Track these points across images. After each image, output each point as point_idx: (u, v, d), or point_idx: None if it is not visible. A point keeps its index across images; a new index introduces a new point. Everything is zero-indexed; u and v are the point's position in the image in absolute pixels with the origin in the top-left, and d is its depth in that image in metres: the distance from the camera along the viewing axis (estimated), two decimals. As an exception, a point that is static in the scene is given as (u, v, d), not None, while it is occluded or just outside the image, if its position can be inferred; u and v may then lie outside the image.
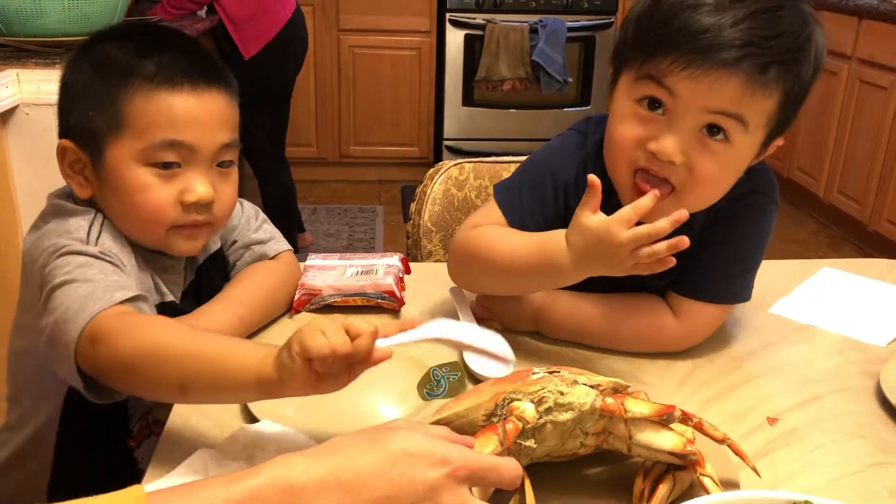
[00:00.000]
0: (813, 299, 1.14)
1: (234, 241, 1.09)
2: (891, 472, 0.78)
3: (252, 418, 0.82)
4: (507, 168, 1.44)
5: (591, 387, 0.69)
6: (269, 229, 1.10)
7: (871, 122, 3.55)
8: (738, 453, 0.72)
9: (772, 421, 0.86)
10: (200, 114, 0.91)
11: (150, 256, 0.96)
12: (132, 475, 0.97)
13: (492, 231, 0.96)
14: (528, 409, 0.65)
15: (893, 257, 3.64)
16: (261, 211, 1.13)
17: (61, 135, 0.94)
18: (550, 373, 0.70)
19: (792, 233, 3.93)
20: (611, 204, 0.87)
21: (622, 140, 0.89)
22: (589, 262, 0.86)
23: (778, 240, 3.82)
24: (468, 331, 0.80)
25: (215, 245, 1.07)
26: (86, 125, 0.90)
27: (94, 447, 1.00)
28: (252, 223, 1.09)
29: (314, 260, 1.12)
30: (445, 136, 4.30)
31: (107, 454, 1.00)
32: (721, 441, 0.72)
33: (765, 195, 0.99)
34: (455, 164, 1.41)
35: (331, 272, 1.08)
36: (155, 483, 0.73)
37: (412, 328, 0.72)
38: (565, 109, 4.30)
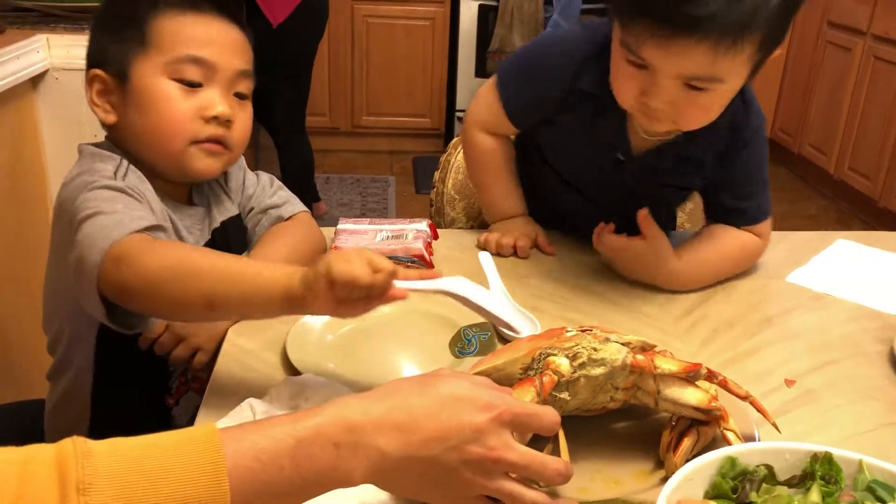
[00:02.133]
0: (828, 269, 1.17)
1: (252, 209, 1.13)
2: (903, 432, 0.82)
3: (294, 372, 0.86)
4: (529, 138, 1.46)
5: (622, 344, 0.72)
6: (284, 195, 1.14)
7: (884, 99, 3.55)
8: (759, 410, 0.76)
9: (789, 383, 0.90)
10: (219, 36, 0.98)
11: (171, 204, 1.01)
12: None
13: (486, 150, 1.20)
14: (563, 364, 0.69)
15: (902, 233, 3.63)
16: (276, 179, 1.17)
17: (91, 63, 0.99)
18: (583, 331, 0.73)
19: (802, 208, 3.95)
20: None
21: (622, 90, 0.98)
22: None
23: (788, 215, 3.85)
24: (483, 295, 0.84)
25: (232, 210, 1.11)
26: (112, 50, 0.96)
27: (132, 405, 1.04)
28: (267, 190, 1.13)
29: (346, 224, 1.16)
30: (458, 108, 4.31)
31: (145, 412, 1.04)
32: (744, 398, 0.76)
33: (757, 126, 1.10)
34: (479, 134, 1.43)
35: (362, 236, 1.12)
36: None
37: (431, 279, 0.76)
38: (578, 82, 4.30)
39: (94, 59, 0.98)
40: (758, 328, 1.01)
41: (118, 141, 0.99)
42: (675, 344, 0.96)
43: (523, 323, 0.95)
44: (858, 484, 0.62)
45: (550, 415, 0.62)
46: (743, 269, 1.14)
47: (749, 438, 0.75)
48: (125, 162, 0.97)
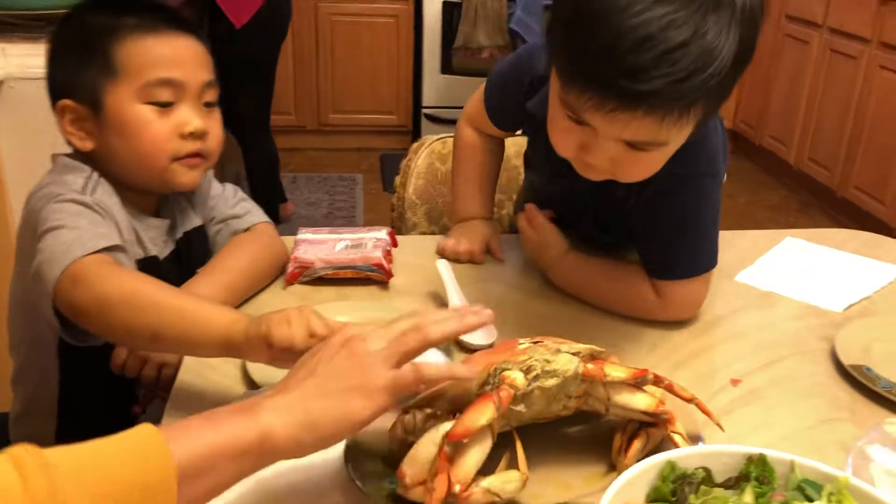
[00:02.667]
0: (776, 268, 1.21)
1: (213, 218, 1.15)
2: (840, 427, 0.86)
3: (254, 385, 0.87)
4: (487, 142, 1.49)
5: (573, 354, 0.75)
6: (246, 206, 1.16)
7: (840, 91, 3.63)
8: (704, 411, 0.80)
9: (735, 382, 0.93)
10: (184, 53, 1.01)
11: (137, 217, 1.03)
12: None
13: (466, 146, 1.26)
14: (518, 378, 0.71)
15: (861, 222, 3.74)
16: (240, 190, 1.18)
17: (56, 98, 1.00)
18: (535, 343, 0.76)
19: (763, 198, 4.03)
20: None
21: (560, 144, 0.91)
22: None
23: (750, 205, 3.92)
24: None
25: (196, 220, 1.12)
26: (80, 80, 0.98)
27: (99, 413, 1.05)
28: (230, 200, 1.16)
29: (305, 234, 1.17)
30: (424, 105, 4.32)
31: (111, 420, 1.05)
32: (689, 400, 0.79)
33: (696, 175, 1.01)
34: (438, 139, 1.46)
35: (321, 246, 1.13)
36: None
37: None
38: (543, 77, 4.33)
39: (60, 89, 0.99)
40: (705, 329, 1.05)
41: (94, 160, 1.01)
42: (625, 347, 0.99)
43: (480, 333, 0.97)
44: (790, 483, 0.65)
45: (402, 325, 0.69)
46: (627, 314, 1.06)
47: (695, 439, 0.79)
48: (95, 175, 0.99)
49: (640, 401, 0.76)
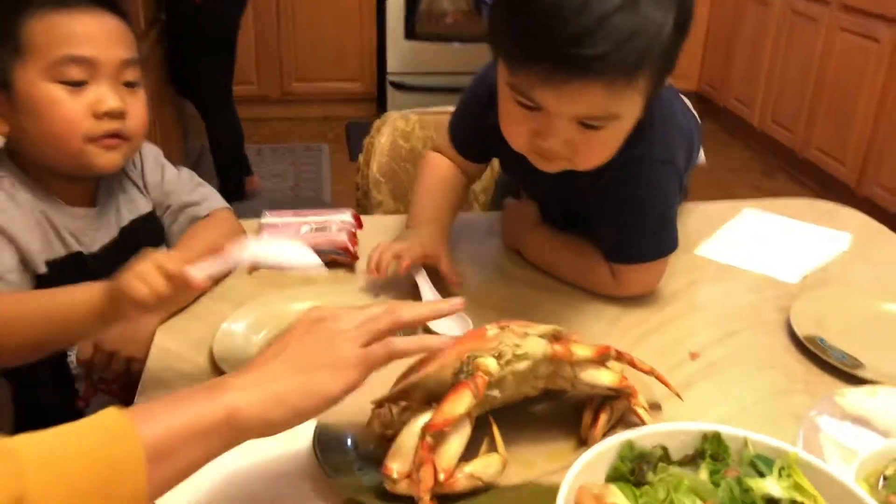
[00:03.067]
0: (734, 240, 1.24)
1: (169, 206, 1.13)
2: (794, 399, 0.89)
3: (221, 374, 0.88)
4: (451, 118, 1.49)
5: (539, 337, 0.77)
6: (203, 191, 1.14)
7: (802, 53, 3.66)
8: (663, 382, 0.83)
9: (693, 356, 0.96)
10: (97, 30, 0.97)
11: (57, 207, 1.00)
12: None
13: (431, 166, 1.20)
14: (491, 364, 0.73)
15: (822, 183, 3.80)
16: (195, 175, 1.17)
17: None
18: (502, 328, 0.77)
19: (727, 160, 4.07)
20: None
21: (513, 134, 0.92)
22: None
23: (714, 168, 3.97)
24: (274, 247, 0.89)
25: (145, 207, 1.10)
26: None
27: (48, 408, 1.05)
28: (187, 186, 1.14)
29: (269, 218, 1.17)
30: (389, 71, 4.28)
31: (59, 414, 1.04)
32: (648, 373, 0.83)
33: (651, 162, 1.02)
34: (401, 116, 1.45)
35: (286, 230, 1.13)
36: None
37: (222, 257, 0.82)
38: (508, 42, 4.31)
39: None
40: (665, 303, 1.07)
41: (15, 145, 0.99)
42: (586, 323, 1.01)
43: (454, 323, 0.98)
44: (743, 459, 0.68)
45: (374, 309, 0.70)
46: (588, 289, 1.08)
47: (654, 407, 0.82)
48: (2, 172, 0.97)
49: (605, 377, 0.79)
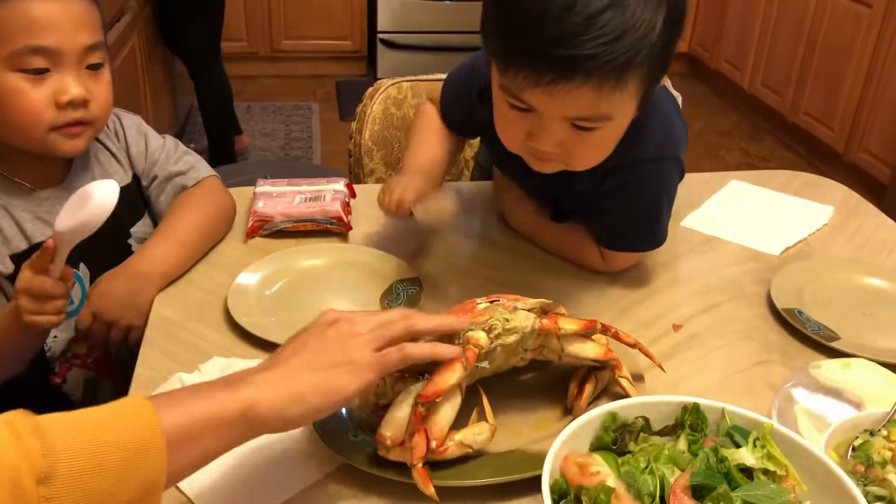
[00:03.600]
0: (719, 212, 1.26)
1: (156, 176, 1.13)
2: (771, 369, 0.93)
3: (221, 334, 0.91)
4: (443, 86, 1.50)
5: (528, 310, 0.80)
6: (189, 160, 1.15)
7: (793, 17, 3.66)
8: (646, 354, 0.87)
9: (676, 327, 0.99)
10: (60, 17, 0.94)
11: (21, 194, 1.01)
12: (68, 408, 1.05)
13: (428, 117, 1.19)
14: (482, 337, 0.76)
15: (810, 148, 3.82)
16: (181, 143, 1.17)
17: None
18: (492, 302, 0.80)
19: (716, 123, 4.09)
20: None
21: (506, 135, 0.92)
22: None
23: (704, 130, 3.98)
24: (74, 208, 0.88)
25: (125, 179, 1.10)
26: None
27: (21, 385, 1.03)
28: (172, 155, 1.14)
29: (263, 186, 1.19)
30: (380, 29, 4.24)
31: (34, 392, 1.06)
32: (633, 346, 0.86)
33: (658, 159, 1.02)
34: (393, 84, 1.46)
35: (280, 199, 1.15)
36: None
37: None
38: (499, 1, 4.28)
39: None
40: (650, 275, 1.10)
41: None
42: (574, 295, 1.04)
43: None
44: (721, 430, 0.72)
45: (391, 313, 0.73)
46: (572, 260, 1.12)
47: (638, 378, 0.85)
48: None
49: (591, 349, 0.82)
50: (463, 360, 0.73)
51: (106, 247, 1.04)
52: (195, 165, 1.14)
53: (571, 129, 0.86)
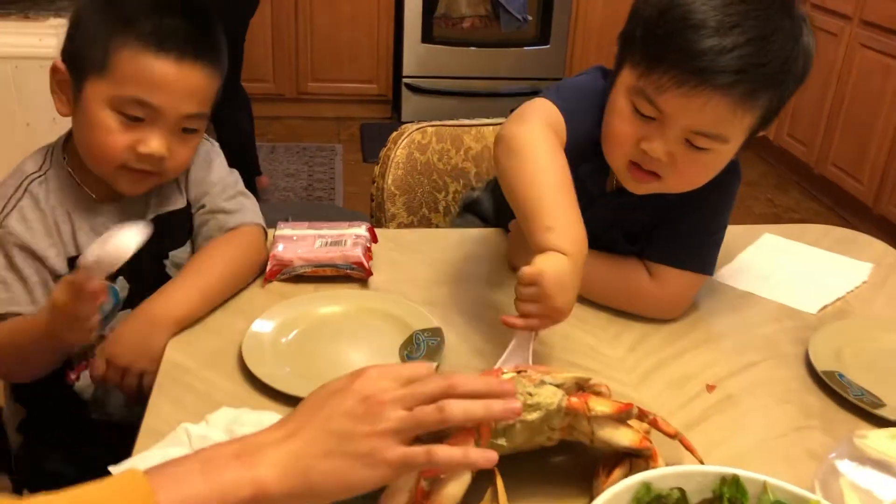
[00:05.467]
0: (754, 266, 1.22)
1: (203, 206, 1.12)
2: (811, 436, 0.88)
3: (235, 383, 0.88)
4: (468, 132, 1.48)
5: (557, 386, 0.74)
6: (242, 202, 1.13)
7: (820, 68, 3.63)
8: (687, 447, 0.77)
9: (710, 388, 0.95)
10: (175, 83, 0.98)
11: (83, 203, 1.05)
12: (78, 406, 1.09)
13: (542, 142, 0.95)
14: None
15: (837, 200, 3.77)
16: (241, 183, 1.16)
17: (61, 54, 1.01)
18: (518, 373, 0.75)
19: (743, 173, 4.04)
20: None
21: (619, 136, 0.97)
22: None
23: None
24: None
25: (179, 203, 1.11)
26: (78, 55, 0.99)
27: (37, 384, 1.06)
28: (227, 192, 1.13)
29: (283, 230, 1.16)
30: (405, 74, 4.27)
31: (49, 389, 1.07)
32: (673, 436, 0.77)
33: (732, 171, 1.05)
34: (418, 129, 1.44)
35: (301, 243, 1.12)
36: (144, 455, 0.78)
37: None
38: (525, 48, 4.30)
39: (64, 50, 1.01)
40: (683, 331, 1.06)
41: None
42: (604, 350, 1.00)
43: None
44: (762, 504, 0.67)
45: (423, 367, 0.67)
46: (621, 298, 1.06)
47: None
48: (50, 162, 1.04)
49: (624, 436, 0.75)
50: (475, 434, 0.67)
51: (146, 266, 1.06)
52: (244, 209, 1.12)
53: (686, 145, 0.93)
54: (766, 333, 1.07)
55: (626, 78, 0.95)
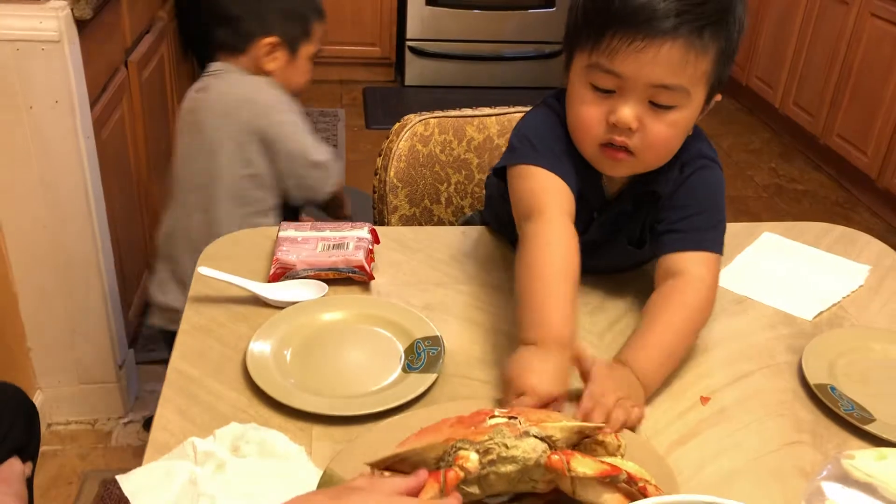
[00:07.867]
0: (751, 269, 1.23)
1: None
2: (801, 452, 0.90)
3: (240, 394, 0.90)
4: (471, 122, 1.48)
5: (544, 438, 0.72)
6: None
7: (829, 37, 3.58)
8: None
9: (704, 400, 0.96)
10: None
11: None
12: None
13: (540, 242, 0.98)
14: (472, 460, 0.69)
15: (841, 171, 3.75)
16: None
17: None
18: (511, 418, 0.73)
19: (746, 141, 4.03)
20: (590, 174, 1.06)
21: (586, 121, 1.00)
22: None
23: (733, 148, 3.92)
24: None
25: None
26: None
27: None
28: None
29: (287, 231, 1.17)
30: (408, 37, 4.23)
31: None
32: None
33: (710, 159, 1.11)
34: (420, 120, 1.44)
35: (303, 246, 1.13)
36: (150, 466, 0.81)
37: None
38: (530, 10, 4.24)
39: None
40: (679, 340, 1.07)
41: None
42: (602, 357, 1.01)
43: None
44: (749, 535, 0.69)
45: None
46: (702, 322, 1.02)
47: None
48: None
49: (609, 500, 0.71)
50: (441, 480, 0.67)
51: None
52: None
53: (650, 107, 0.96)
54: (761, 342, 1.08)
55: (579, 64, 0.99)
